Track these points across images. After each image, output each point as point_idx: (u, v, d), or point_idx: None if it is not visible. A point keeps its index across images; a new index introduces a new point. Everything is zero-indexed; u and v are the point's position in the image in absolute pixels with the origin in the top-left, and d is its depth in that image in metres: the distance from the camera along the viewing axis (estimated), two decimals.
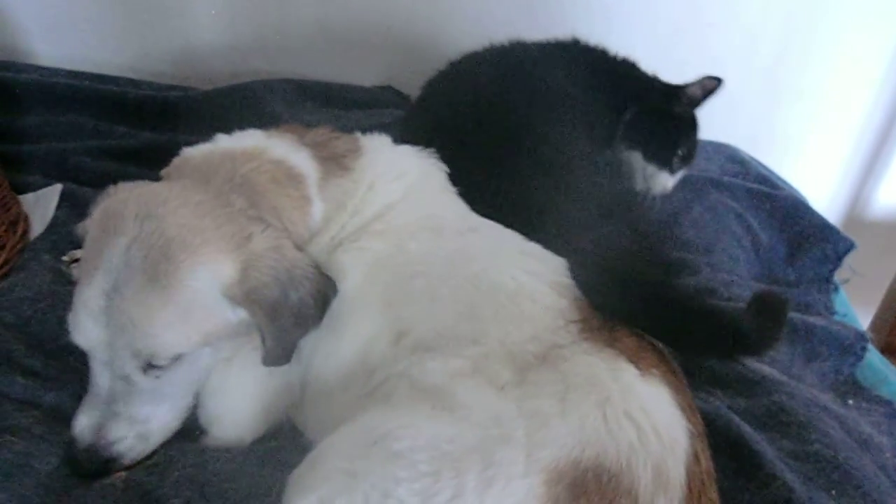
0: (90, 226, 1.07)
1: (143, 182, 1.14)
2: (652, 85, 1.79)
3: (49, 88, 1.97)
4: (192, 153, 1.20)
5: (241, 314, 1.04)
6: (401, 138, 1.40)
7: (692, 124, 1.79)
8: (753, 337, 1.07)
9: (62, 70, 2.14)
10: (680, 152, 1.75)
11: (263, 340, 1.06)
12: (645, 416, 0.90)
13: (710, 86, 1.74)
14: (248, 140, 1.22)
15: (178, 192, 1.06)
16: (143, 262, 0.98)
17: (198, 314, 1.01)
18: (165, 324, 0.99)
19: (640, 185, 1.79)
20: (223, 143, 1.22)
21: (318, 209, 1.18)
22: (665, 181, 1.77)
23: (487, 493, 0.81)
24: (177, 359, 1.02)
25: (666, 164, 1.75)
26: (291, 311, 1.05)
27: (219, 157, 1.16)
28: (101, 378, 1.03)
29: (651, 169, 1.76)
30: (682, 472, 0.89)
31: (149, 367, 1.02)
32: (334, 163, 1.23)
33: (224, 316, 1.03)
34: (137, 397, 1.04)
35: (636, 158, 1.76)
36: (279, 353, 1.07)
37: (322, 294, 1.10)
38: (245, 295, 1.02)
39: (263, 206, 1.11)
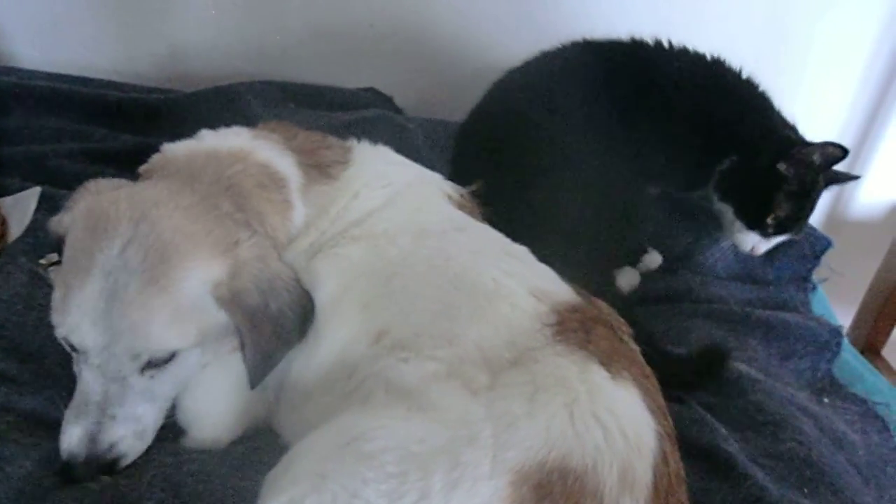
0: (72, 225, 1.06)
1: (120, 180, 1.14)
2: (767, 134, 1.64)
3: (28, 91, 1.96)
4: (175, 151, 1.20)
5: (227, 316, 1.06)
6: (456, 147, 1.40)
7: (805, 188, 1.62)
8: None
9: (41, 72, 2.13)
10: (773, 218, 1.63)
11: (243, 348, 1.07)
12: (612, 417, 0.90)
13: (833, 154, 1.57)
14: (233, 139, 1.23)
15: (169, 195, 1.07)
16: (142, 264, 0.99)
17: (193, 314, 1.03)
18: (165, 324, 1.01)
19: (730, 239, 1.73)
20: (208, 140, 1.22)
21: (299, 213, 1.19)
22: (754, 243, 1.69)
23: (453, 494, 0.81)
24: (172, 358, 1.04)
25: (755, 226, 1.66)
26: (270, 320, 1.07)
27: (203, 157, 1.17)
28: (93, 383, 1.02)
29: (739, 226, 1.69)
30: (650, 474, 0.90)
31: (145, 367, 1.03)
32: (318, 171, 1.24)
33: (215, 316, 1.05)
34: (131, 398, 1.04)
35: (727, 211, 1.70)
36: (259, 364, 1.08)
37: (302, 308, 1.11)
38: (230, 297, 1.04)
39: (249, 211, 1.13)
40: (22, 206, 1.63)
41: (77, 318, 1.00)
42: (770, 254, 1.86)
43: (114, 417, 1.03)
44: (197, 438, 1.14)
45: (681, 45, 1.72)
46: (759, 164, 1.61)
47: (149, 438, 1.09)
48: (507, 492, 0.82)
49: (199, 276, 1.03)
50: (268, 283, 1.07)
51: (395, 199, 1.24)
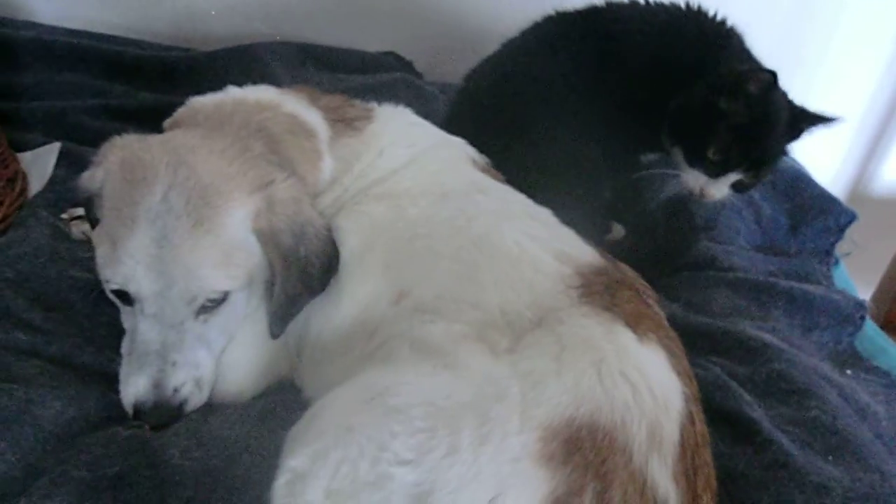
0: (107, 179, 1.06)
1: (144, 135, 1.13)
2: (710, 69, 1.54)
3: (48, 46, 1.95)
4: (203, 102, 1.21)
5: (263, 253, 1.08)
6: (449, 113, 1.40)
7: (754, 121, 1.51)
8: None
9: (61, 28, 2.11)
10: (713, 153, 1.54)
11: (273, 286, 1.08)
12: (640, 375, 0.90)
13: (764, 78, 1.47)
14: (260, 93, 1.25)
15: (202, 140, 1.08)
16: (186, 207, 1.00)
17: (239, 253, 1.05)
18: (215, 264, 1.03)
19: (687, 185, 1.63)
20: (234, 93, 1.23)
21: (328, 165, 1.20)
22: (700, 183, 1.59)
23: (482, 449, 0.81)
24: (224, 300, 1.05)
25: (697, 163, 1.58)
26: (299, 264, 1.08)
27: (231, 105, 1.18)
28: (150, 332, 1.04)
29: (684, 165, 1.61)
30: (677, 432, 0.89)
31: (200, 311, 1.05)
32: (345, 125, 1.25)
33: (257, 255, 1.07)
34: (187, 344, 1.05)
35: (677, 154, 1.61)
36: (282, 307, 1.09)
37: (327, 258, 1.11)
38: (269, 231, 1.06)
39: (280, 154, 1.14)
40: (42, 162, 1.63)
41: (131, 267, 1.00)
42: (794, 225, 1.84)
43: (175, 364, 1.04)
44: (221, 392, 1.14)
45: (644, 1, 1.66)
46: (698, 98, 1.53)
47: (206, 388, 1.10)
48: (537, 447, 0.81)
49: (241, 214, 1.04)
50: (300, 226, 1.08)
51: (418, 159, 1.24)
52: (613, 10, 1.66)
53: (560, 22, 1.69)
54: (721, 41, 1.61)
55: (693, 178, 1.60)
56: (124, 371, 1.06)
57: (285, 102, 1.22)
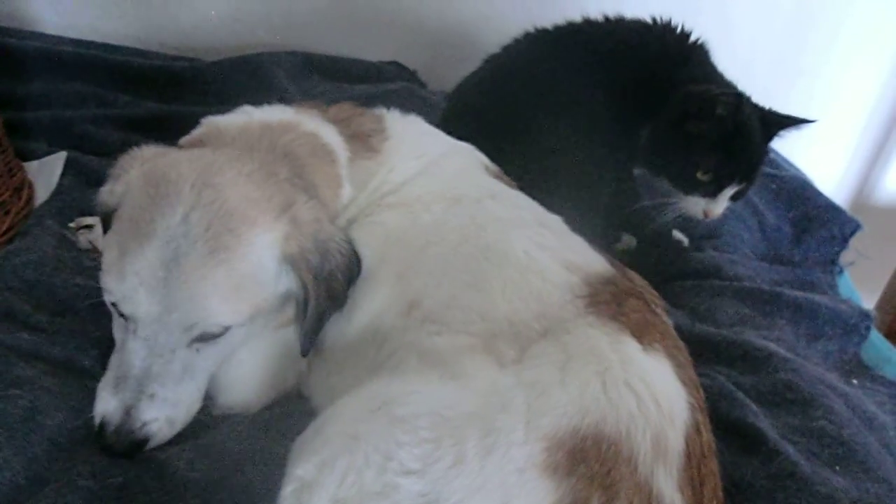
0: (128, 191, 1.03)
1: (166, 148, 1.11)
2: (672, 93, 1.54)
3: (54, 56, 1.96)
4: (225, 123, 1.19)
5: (286, 284, 1.05)
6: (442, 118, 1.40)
7: (729, 137, 1.52)
8: None
9: (66, 38, 2.13)
10: (703, 174, 1.53)
11: (305, 307, 1.06)
12: (645, 386, 0.90)
13: (730, 101, 1.48)
14: (279, 113, 1.23)
15: (229, 162, 1.04)
16: (206, 232, 0.96)
17: (251, 287, 1.01)
18: (224, 297, 0.98)
19: (689, 212, 1.61)
20: (256, 115, 1.21)
21: (346, 192, 1.19)
22: (703, 206, 1.57)
23: (487, 459, 0.81)
24: (223, 333, 1.02)
25: (692, 189, 1.56)
26: (325, 281, 1.06)
27: (257, 128, 1.16)
28: (136, 355, 0.99)
29: (679, 195, 1.59)
30: (682, 442, 0.89)
31: (195, 339, 1.01)
32: (361, 143, 1.23)
33: (272, 287, 1.04)
34: (171, 376, 1.01)
35: (664, 183, 1.60)
36: (312, 325, 1.07)
37: (349, 271, 1.10)
38: (299, 253, 1.03)
39: (305, 178, 1.12)
40: (48, 171, 1.63)
41: (133, 286, 0.96)
42: (798, 235, 1.84)
43: (152, 396, 1.00)
44: (226, 405, 1.13)
45: (618, 17, 1.67)
46: (666, 127, 1.54)
47: (178, 426, 1.05)
48: (542, 458, 0.81)
49: (267, 240, 1.01)
50: (323, 244, 1.06)
51: (429, 168, 1.24)
52: (587, 26, 1.68)
53: (539, 39, 1.70)
54: (683, 55, 1.62)
55: (693, 204, 1.59)
56: (102, 384, 1.03)
57: (304, 122, 1.20)
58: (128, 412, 0.99)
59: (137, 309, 0.97)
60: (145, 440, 1.01)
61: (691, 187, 1.57)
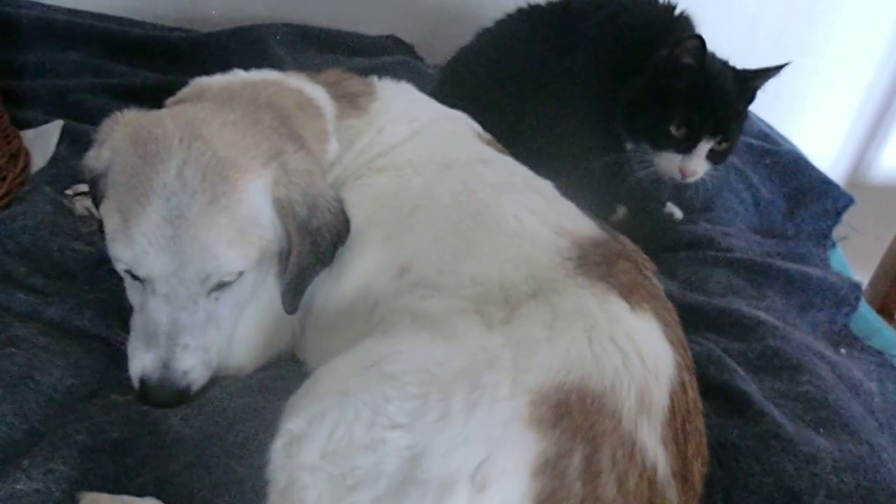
0: (116, 155, 1.03)
1: (148, 110, 1.12)
2: (649, 53, 1.55)
3: (50, 25, 1.96)
4: (210, 81, 1.21)
5: (279, 228, 1.06)
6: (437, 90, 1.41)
7: (701, 89, 1.52)
8: None
9: (63, 8, 2.12)
10: (676, 128, 1.53)
11: (287, 259, 1.07)
12: (631, 343, 0.91)
13: (693, 46, 1.49)
14: (266, 73, 1.25)
15: (212, 113, 1.06)
16: (202, 183, 0.98)
17: (255, 230, 1.03)
18: (231, 242, 1.00)
19: (665, 170, 1.59)
20: (241, 74, 1.23)
21: (333, 148, 1.19)
22: (679, 163, 1.56)
23: (473, 413, 0.82)
24: (237, 278, 1.04)
25: (666, 145, 1.56)
26: (311, 236, 1.07)
27: (239, 84, 1.18)
28: (160, 312, 1.02)
29: (653, 152, 1.58)
30: (666, 398, 0.90)
31: (212, 289, 1.03)
32: (348, 102, 1.24)
33: (272, 230, 1.06)
34: (198, 325, 1.04)
35: (644, 147, 1.60)
36: (294, 279, 1.09)
37: (337, 231, 1.11)
38: (287, 199, 1.04)
39: (291, 128, 1.13)
40: (44, 139, 1.64)
41: (143, 248, 0.98)
42: (791, 209, 1.85)
43: (186, 347, 1.03)
44: (223, 366, 1.14)
45: None
46: (641, 87, 1.55)
47: (214, 367, 1.09)
48: (527, 412, 0.82)
49: (258, 185, 1.03)
50: (313, 198, 1.07)
51: (420, 133, 1.24)
52: (577, 2, 1.70)
53: (531, 14, 1.71)
54: (667, 27, 1.62)
55: (667, 161, 1.58)
56: (132, 345, 1.05)
57: (289, 79, 1.22)
58: (166, 365, 1.02)
59: (152, 270, 0.99)
60: (188, 387, 1.05)
61: (665, 143, 1.56)
